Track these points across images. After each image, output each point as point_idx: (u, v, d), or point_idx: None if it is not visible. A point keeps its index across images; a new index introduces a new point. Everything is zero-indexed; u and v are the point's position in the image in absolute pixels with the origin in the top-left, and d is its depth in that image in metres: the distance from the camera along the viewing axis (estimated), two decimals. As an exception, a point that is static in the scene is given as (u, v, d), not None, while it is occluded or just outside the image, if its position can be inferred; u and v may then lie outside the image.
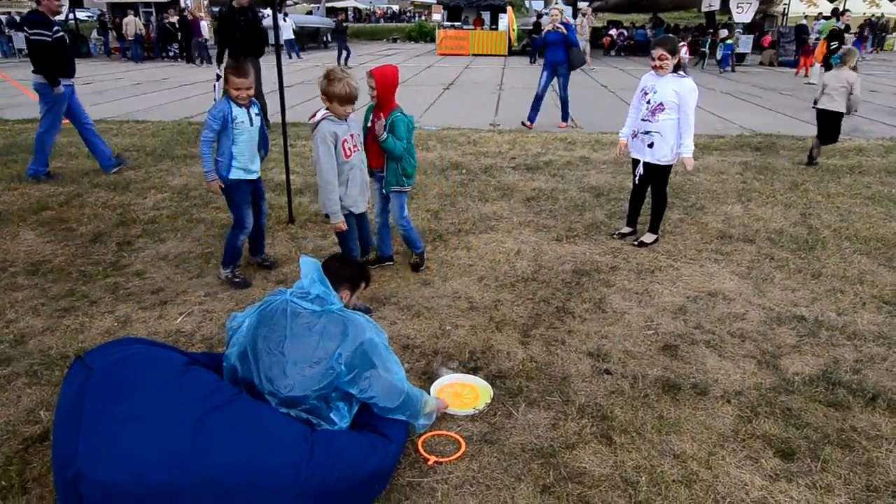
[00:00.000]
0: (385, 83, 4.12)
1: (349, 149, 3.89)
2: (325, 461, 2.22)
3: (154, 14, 25.32)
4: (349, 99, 3.76)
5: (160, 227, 5.58)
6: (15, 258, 4.90)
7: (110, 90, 15.18)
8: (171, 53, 24.37)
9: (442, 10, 33.49)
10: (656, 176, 5.06)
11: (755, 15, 22.96)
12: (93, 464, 2.02)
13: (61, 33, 6.88)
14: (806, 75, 18.46)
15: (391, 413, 2.56)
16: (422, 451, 2.77)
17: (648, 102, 4.87)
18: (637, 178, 5.20)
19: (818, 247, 5.23)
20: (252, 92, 4.18)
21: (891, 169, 7.81)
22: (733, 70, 21.23)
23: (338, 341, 2.41)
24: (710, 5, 25.65)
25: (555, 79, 10.49)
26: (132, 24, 24.13)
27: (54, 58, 6.75)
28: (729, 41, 21.24)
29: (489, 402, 3.11)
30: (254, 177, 4.36)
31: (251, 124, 4.19)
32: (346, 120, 3.87)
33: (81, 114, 7.39)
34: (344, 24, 25.72)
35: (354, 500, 2.35)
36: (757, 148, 9.01)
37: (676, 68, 4.77)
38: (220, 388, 2.31)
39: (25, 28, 6.96)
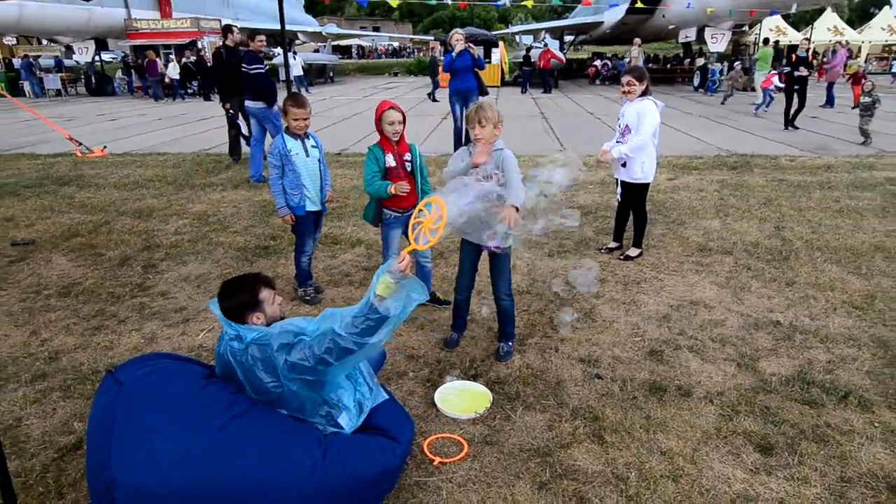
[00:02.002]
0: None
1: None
2: (337, 463, 2.24)
3: (174, 55, 25.61)
4: None
5: (182, 251, 5.62)
6: (49, 282, 4.94)
7: (134, 125, 15.34)
8: (189, 91, 24.58)
9: (439, 47, 33.81)
10: (633, 194, 5.13)
11: (728, 44, 23.21)
12: (124, 470, 2.04)
13: (267, 67, 7.91)
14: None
15: (365, 348, 2.24)
16: (427, 452, 2.79)
17: (619, 126, 5.04)
18: (619, 196, 5.26)
19: (791, 257, 5.26)
20: (309, 122, 4.19)
21: (857, 184, 7.85)
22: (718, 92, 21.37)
23: (269, 360, 2.29)
24: (687, 37, 25.98)
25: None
26: (163, 66, 24.30)
27: (269, 85, 7.94)
28: (713, 66, 21.48)
29: (489, 406, 3.13)
30: (316, 208, 4.34)
31: (307, 155, 4.18)
32: None
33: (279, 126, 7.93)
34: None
35: (365, 499, 2.36)
36: (733, 167, 9.07)
37: (645, 93, 4.89)
38: (238, 399, 2.33)
39: (244, 65, 8.07)
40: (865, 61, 30.58)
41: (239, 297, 2.44)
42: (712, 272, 4.96)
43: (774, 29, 30.94)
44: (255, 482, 2.10)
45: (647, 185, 5.10)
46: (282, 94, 8.29)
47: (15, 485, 2.47)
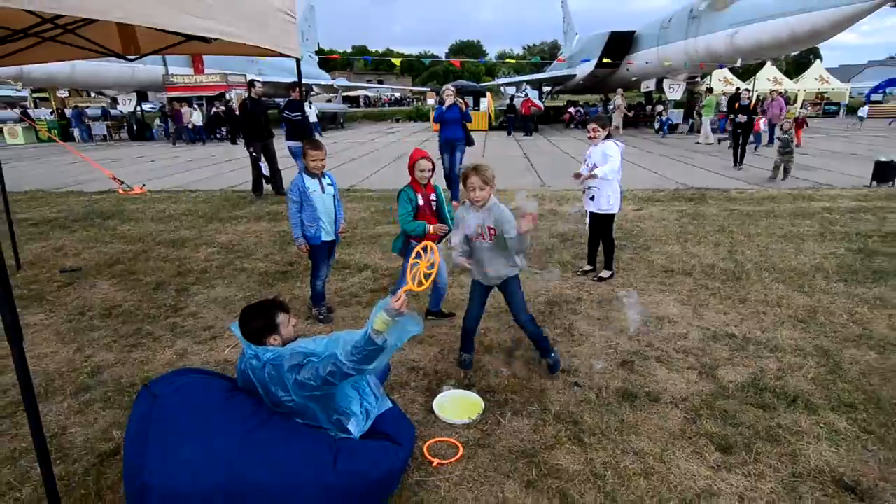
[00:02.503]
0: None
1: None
2: (346, 466, 2.21)
3: (205, 105, 25.83)
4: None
5: (210, 276, 5.60)
6: (92, 304, 4.90)
7: (170, 166, 15.39)
8: (218, 136, 24.74)
9: (435, 97, 34.30)
10: (601, 223, 5.22)
11: (683, 93, 23.62)
12: (157, 474, 2.01)
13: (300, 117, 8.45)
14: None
15: (366, 374, 2.28)
16: (427, 454, 2.76)
17: (588, 165, 5.12)
18: (587, 226, 5.33)
19: (743, 277, 5.28)
20: (325, 163, 4.22)
21: (798, 213, 7.92)
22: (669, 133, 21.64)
23: (282, 379, 2.30)
24: (648, 87, 26.44)
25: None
26: (187, 114, 24.60)
27: (305, 128, 8.67)
28: (663, 115, 21.78)
29: (481, 412, 3.10)
30: (330, 238, 4.32)
31: (323, 192, 4.18)
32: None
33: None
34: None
35: (372, 497, 2.32)
36: (690, 199, 9.14)
37: (608, 137, 5.06)
38: (259, 409, 2.31)
39: (286, 111, 8.93)
40: (801, 107, 31.12)
41: (258, 322, 2.44)
42: (675, 291, 4.96)
43: (723, 80, 31.50)
44: (275, 484, 2.07)
45: (612, 215, 5.17)
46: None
47: (59, 487, 2.42)
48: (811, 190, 9.80)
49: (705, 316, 4.41)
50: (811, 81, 36.45)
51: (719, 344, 3.93)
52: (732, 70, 30.53)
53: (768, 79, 32.74)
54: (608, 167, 4.90)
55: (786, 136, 10.69)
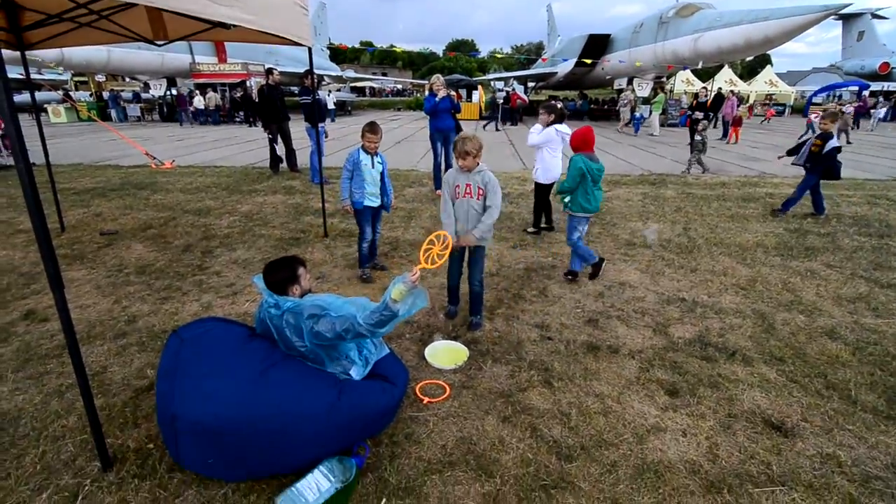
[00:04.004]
0: (573, 139, 4.27)
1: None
2: (348, 402, 2.22)
3: (227, 91, 25.18)
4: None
5: (232, 241, 5.54)
6: (128, 263, 4.85)
7: (197, 144, 15.08)
8: (238, 119, 24.20)
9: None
10: (538, 191, 5.79)
11: (651, 91, 23.26)
12: (184, 406, 2.02)
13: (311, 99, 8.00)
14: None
15: (376, 336, 2.26)
16: (419, 394, 2.78)
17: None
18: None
19: (695, 250, 5.30)
20: (378, 145, 4.16)
21: (745, 197, 7.93)
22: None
23: (300, 328, 2.29)
24: (620, 85, 26.04)
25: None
26: (213, 98, 24.01)
27: (310, 111, 8.31)
28: (637, 112, 21.40)
29: (466, 359, 3.13)
30: (373, 204, 4.25)
31: (372, 167, 4.14)
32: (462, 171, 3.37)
33: (322, 143, 7.77)
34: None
35: (370, 429, 2.35)
36: (652, 183, 9.11)
37: (554, 122, 5.49)
38: (273, 352, 2.31)
39: (302, 96, 8.78)
40: (751, 107, 30.84)
41: (283, 273, 2.44)
42: (636, 261, 4.98)
43: (685, 80, 31.10)
44: (286, 416, 2.08)
45: (544, 184, 5.66)
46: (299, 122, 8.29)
47: (100, 417, 2.42)
48: (757, 178, 9.80)
49: (661, 283, 4.44)
50: (762, 84, 36.14)
51: (672, 306, 3.96)
52: (694, 72, 30.15)
53: (725, 80, 32.35)
54: (530, 139, 5.50)
55: (699, 136, 10.19)
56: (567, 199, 4.26)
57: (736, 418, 2.63)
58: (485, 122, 22.94)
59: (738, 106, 19.40)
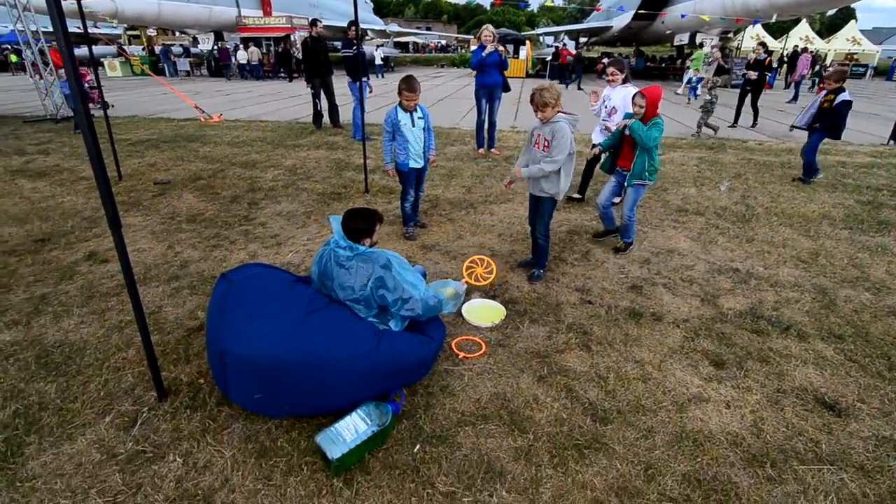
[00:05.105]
0: (652, 100, 3.69)
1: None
2: (386, 350, 2.27)
3: (273, 45, 25.23)
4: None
5: (277, 193, 5.67)
6: (180, 211, 5.06)
7: (243, 99, 15.32)
8: (282, 74, 24.30)
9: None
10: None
11: (713, 48, 21.49)
12: (232, 343, 2.10)
13: (354, 52, 7.90)
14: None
15: (422, 318, 2.48)
16: (455, 349, 2.81)
17: (606, 107, 4.88)
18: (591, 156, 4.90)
19: (753, 220, 4.99)
20: (416, 102, 3.99)
21: (813, 165, 7.33)
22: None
23: (367, 273, 2.34)
24: (681, 41, 24.23)
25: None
26: (255, 53, 24.14)
27: (352, 64, 8.18)
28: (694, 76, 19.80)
29: (503, 318, 3.12)
30: (418, 165, 4.17)
31: (413, 125, 4.01)
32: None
33: (365, 98, 7.52)
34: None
35: (406, 378, 2.40)
36: (710, 147, 8.56)
37: (625, 81, 4.78)
38: (316, 298, 2.36)
39: (342, 48, 8.58)
40: (829, 66, 28.07)
41: (363, 224, 2.47)
42: (687, 228, 4.75)
43: (755, 36, 28.55)
44: (328, 357, 2.15)
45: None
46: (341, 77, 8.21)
47: (156, 352, 2.59)
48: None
49: (713, 252, 4.23)
50: (842, 42, 32.65)
51: (723, 276, 3.78)
52: (766, 27, 27.57)
53: (801, 37, 29.49)
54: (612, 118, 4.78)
55: (709, 96, 9.29)
56: (649, 167, 3.81)
57: (785, 394, 2.52)
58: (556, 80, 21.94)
59: (816, 65, 17.72)
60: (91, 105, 11.46)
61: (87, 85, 11.65)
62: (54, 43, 12.95)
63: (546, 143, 3.25)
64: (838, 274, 3.85)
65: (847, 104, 5.92)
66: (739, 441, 2.23)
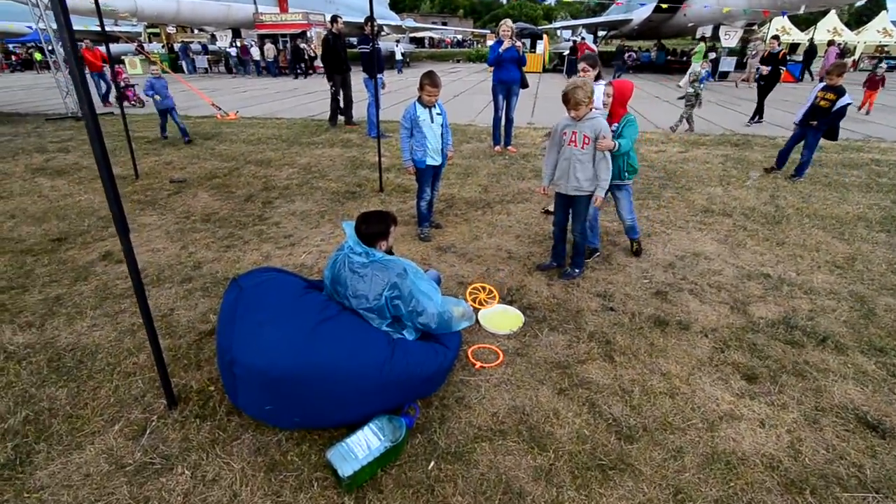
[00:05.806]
0: (620, 96, 3.52)
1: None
2: (401, 360, 2.18)
3: (289, 42, 25.29)
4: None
5: (291, 192, 5.62)
6: (194, 210, 5.05)
7: (260, 96, 15.38)
8: (298, 71, 24.35)
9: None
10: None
11: (738, 41, 20.93)
12: (242, 353, 2.04)
13: (369, 49, 7.94)
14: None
15: (433, 332, 2.41)
16: (471, 358, 2.71)
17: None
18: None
19: (783, 221, 4.78)
20: (437, 97, 3.92)
21: (845, 163, 7.03)
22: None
23: (382, 282, 2.27)
24: (704, 34, 23.60)
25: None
26: (271, 50, 24.23)
27: (368, 61, 8.07)
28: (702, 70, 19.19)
29: (521, 326, 3.01)
30: (435, 162, 4.09)
31: (432, 121, 3.95)
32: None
33: (379, 95, 7.55)
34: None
35: (421, 390, 2.31)
36: (736, 144, 8.28)
37: (597, 78, 4.35)
38: (329, 306, 2.28)
39: (360, 45, 8.63)
40: (858, 59, 27.08)
41: (378, 227, 2.39)
42: (713, 230, 4.56)
43: (780, 28, 27.65)
44: (339, 368, 2.07)
45: None
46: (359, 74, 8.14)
47: (167, 357, 2.55)
48: (861, 142, 8.65)
49: (741, 255, 4.04)
50: (873, 33, 31.39)
51: (753, 282, 3.60)
52: (792, 19, 26.70)
53: (828, 29, 28.47)
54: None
55: (691, 89, 8.98)
56: (627, 167, 3.66)
57: (824, 412, 2.36)
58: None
59: (845, 58, 17.07)
60: (126, 104, 11.70)
61: (122, 83, 11.94)
62: (86, 42, 13.14)
63: (586, 140, 3.21)
64: (877, 280, 3.64)
65: (845, 107, 5.74)
66: (776, 464, 2.08)
